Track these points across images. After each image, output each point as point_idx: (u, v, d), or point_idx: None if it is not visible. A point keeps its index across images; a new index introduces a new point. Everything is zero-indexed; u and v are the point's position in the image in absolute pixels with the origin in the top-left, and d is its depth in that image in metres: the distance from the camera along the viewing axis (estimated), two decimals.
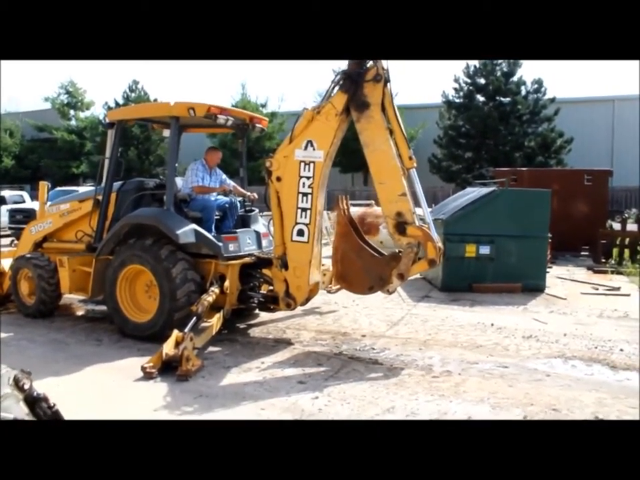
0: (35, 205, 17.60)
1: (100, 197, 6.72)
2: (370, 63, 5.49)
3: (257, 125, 6.83)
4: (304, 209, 5.75)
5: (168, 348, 4.86)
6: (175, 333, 5.02)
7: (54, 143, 35.80)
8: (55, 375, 4.75)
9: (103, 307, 7.53)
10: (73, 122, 37.13)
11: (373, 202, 15.24)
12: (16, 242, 13.17)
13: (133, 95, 30.38)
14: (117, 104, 30.20)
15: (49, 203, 7.72)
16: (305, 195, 5.74)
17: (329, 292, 7.41)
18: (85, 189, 20.08)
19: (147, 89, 31.30)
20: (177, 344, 4.90)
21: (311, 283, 5.90)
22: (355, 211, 9.94)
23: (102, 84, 78.38)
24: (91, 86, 78.08)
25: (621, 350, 6.03)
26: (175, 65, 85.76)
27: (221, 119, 6.11)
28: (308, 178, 5.73)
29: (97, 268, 6.42)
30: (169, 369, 4.87)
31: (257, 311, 7.19)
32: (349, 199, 6.10)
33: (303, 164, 5.74)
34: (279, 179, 5.84)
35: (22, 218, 16.65)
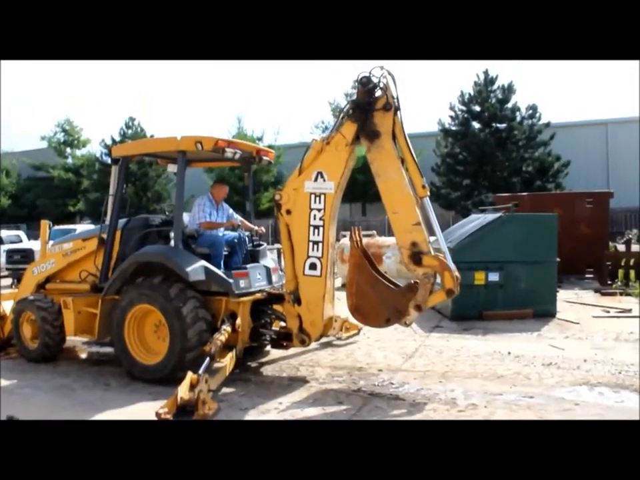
0: (32, 245, 17.47)
1: (104, 235, 6.55)
2: (379, 92, 5.43)
3: (264, 158, 6.74)
4: (316, 242, 5.62)
5: (183, 391, 4.63)
6: (189, 376, 4.80)
7: (50, 182, 35.88)
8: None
9: (108, 349, 7.30)
10: (70, 160, 37.31)
11: (375, 232, 15.16)
12: (17, 284, 12.95)
13: (130, 131, 30.52)
14: (114, 141, 30.34)
15: (50, 243, 7.56)
16: (316, 227, 5.62)
17: (339, 339, 7.23)
18: (83, 227, 20.01)
19: (143, 126, 31.50)
20: (192, 387, 4.68)
21: (325, 318, 5.73)
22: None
23: (98, 122, 79.11)
24: (87, 124, 78.65)
25: None
26: (171, 101, 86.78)
27: (229, 152, 6.01)
28: (319, 210, 5.61)
29: (104, 309, 6.21)
30: (184, 413, 4.64)
31: (267, 347, 7.00)
32: (361, 230, 5.97)
33: (313, 196, 5.63)
34: (289, 212, 5.73)
35: (20, 258, 16.46)
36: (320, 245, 5.60)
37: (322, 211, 5.60)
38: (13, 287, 13.99)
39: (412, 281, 5.46)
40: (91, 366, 6.74)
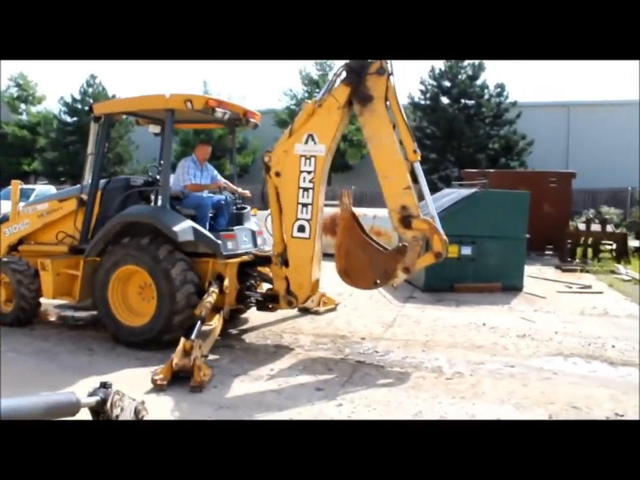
0: None
1: (84, 196, 6.30)
2: None
3: (251, 120, 6.58)
4: (305, 205, 5.59)
5: (178, 357, 4.57)
6: (183, 342, 4.71)
7: (3, 139, 34.08)
8: (53, 388, 4.36)
9: (83, 313, 7.13)
10: (24, 117, 35.53)
11: None
12: None
13: (91, 90, 29.30)
14: (74, 99, 29.11)
15: (21, 203, 7.24)
16: (305, 190, 5.58)
17: (316, 313, 7.25)
18: (41, 187, 19.21)
19: (105, 84, 30.27)
20: (186, 353, 4.61)
21: (313, 280, 5.74)
22: (327, 211, 9.76)
23: (54, 78, 75.50)
24: (43, 80, 74.79)
25: (613, 346, 6.17)
26: (132, 60, 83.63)
27: (219, 112, 5.83)
28: (309, 172, 5.57)
29: (85, 270, 6.00)
30: (176, 379, 4.57)
31: (243, 315, 6.96)
32: (351, 194, 5.96)
33: (303, 158, 5.58)
34: (277, 174, 5.66)
35: None
36: (309, 207, 5.57)
37: (312, 174, 5.55)
38: None
39: (400, 244, 5.53)
40: (69, 330, 6.51)
